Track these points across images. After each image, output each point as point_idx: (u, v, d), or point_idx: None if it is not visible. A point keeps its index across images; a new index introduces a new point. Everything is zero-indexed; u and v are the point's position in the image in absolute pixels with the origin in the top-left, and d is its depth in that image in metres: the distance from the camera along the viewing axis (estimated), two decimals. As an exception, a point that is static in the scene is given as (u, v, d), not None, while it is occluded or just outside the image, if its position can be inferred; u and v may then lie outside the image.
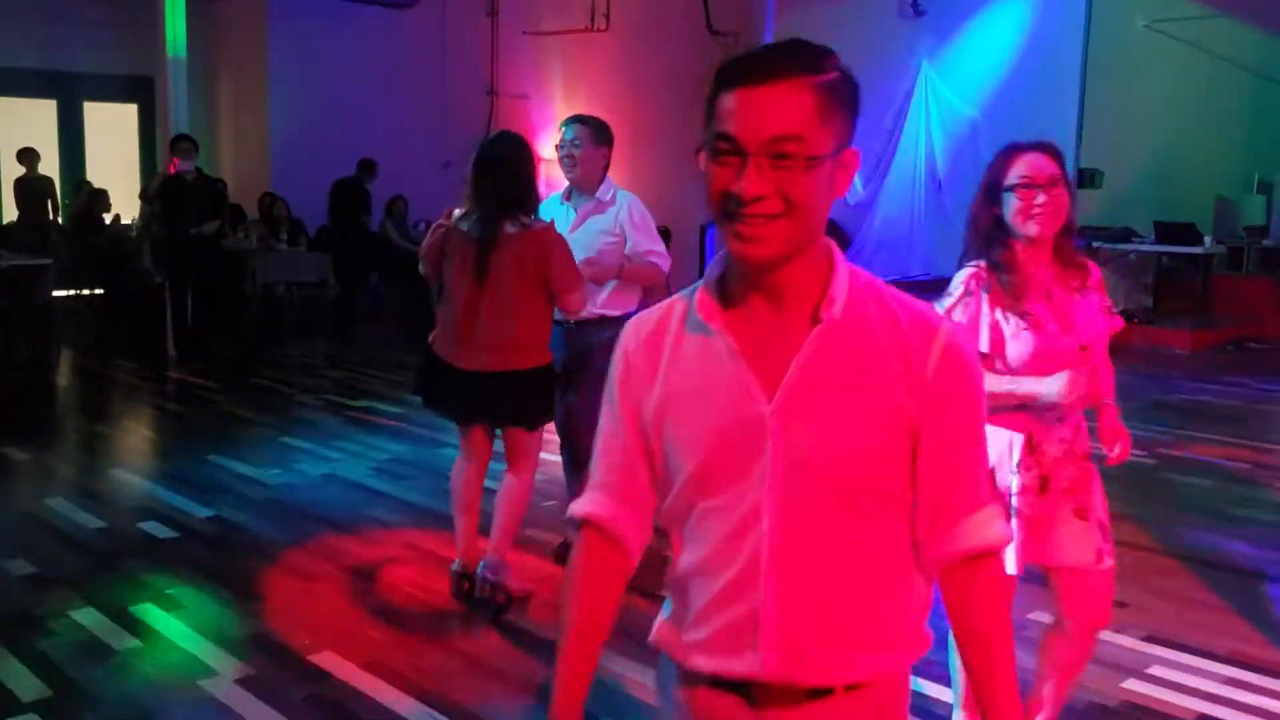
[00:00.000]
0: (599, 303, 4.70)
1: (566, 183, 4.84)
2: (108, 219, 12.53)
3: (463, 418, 4.45)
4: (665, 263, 4.80)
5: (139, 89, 14.14)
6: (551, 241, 4.17)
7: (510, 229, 4.11)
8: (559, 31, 16.56)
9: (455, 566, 4.54)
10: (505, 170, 4.15)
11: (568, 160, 4.72)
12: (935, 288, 11.51)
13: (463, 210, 4.26)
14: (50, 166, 13.59)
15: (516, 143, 4.31)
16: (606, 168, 4.81)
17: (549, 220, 4.30)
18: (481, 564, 4.44)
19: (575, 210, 4.79)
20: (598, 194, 4.76)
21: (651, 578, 1.81)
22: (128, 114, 14.84)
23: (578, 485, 5.10)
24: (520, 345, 4.22)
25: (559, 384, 4.84)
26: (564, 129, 4.76)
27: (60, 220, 12.87)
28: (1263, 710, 3.79)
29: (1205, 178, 13.17)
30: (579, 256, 4.57)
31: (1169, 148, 12.48)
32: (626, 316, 4.82)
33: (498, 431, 4.50)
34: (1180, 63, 12.58)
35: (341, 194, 12.68)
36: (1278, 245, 12.79)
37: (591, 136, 4.71)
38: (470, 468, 4.53)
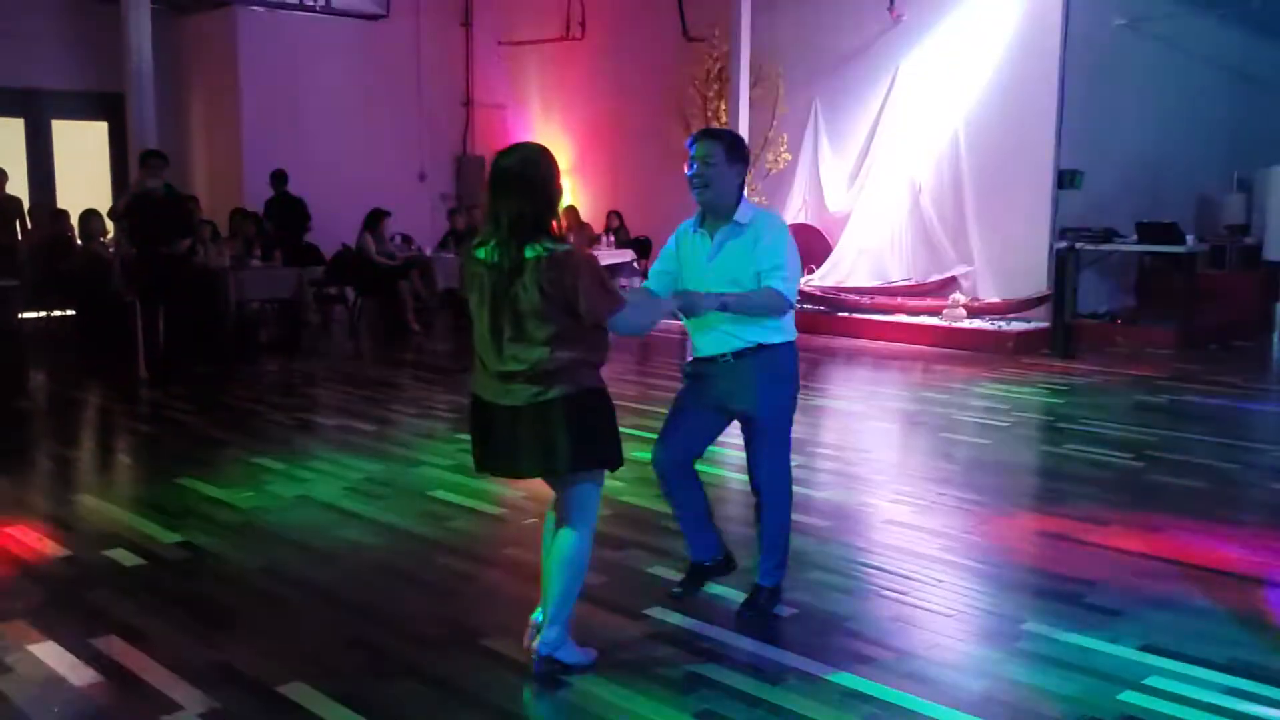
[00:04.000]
0: (747, 330, 4.29)
1: (698, 207, 4.37)
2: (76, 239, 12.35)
3: (510, 470, 3.88)
4: (786, 288, 4.21)
5: (109, 106, 13.98)
6: (576, 265, 3.65)
7: (530, 254, 3.63)
8: (535, 41, 16.48)
9: (535, 615, 4.09)
10: (520, 188, 3.63)
11: (698, 180, 4.24)
12: (917, 292, 11.45)
13: (480, 236, 3.77)
14: (19, 186, 13.41)
15: (534, 155, 3.72)
16: (742, 186, 4.35)
17: (568, 244, 3.75)
18: (539, 639, 3.94)
19: (711, 237, 4.33)
20: (736, 217, 4.29)
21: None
22: (98, 131, 14.68)
23: (770, 540, 4.50)
24: (550, 374, 3.69)
25: (710, 424, 4.47)
26: (694, 145, 4.28)
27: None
28: (1266, 722, 3.67)
29: (1186, 177, 13.13)
30: (721, 288, 4.21)
31: (1149, 147, 12.43)
32: (788, 344, 4.36)
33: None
34: (1159, 62, 12.55)
35: (276, 212, 12.80)
36: (1259, 243, 12.73)
37: (725, 153, 4.25)
38: (552, 510, 4.07)
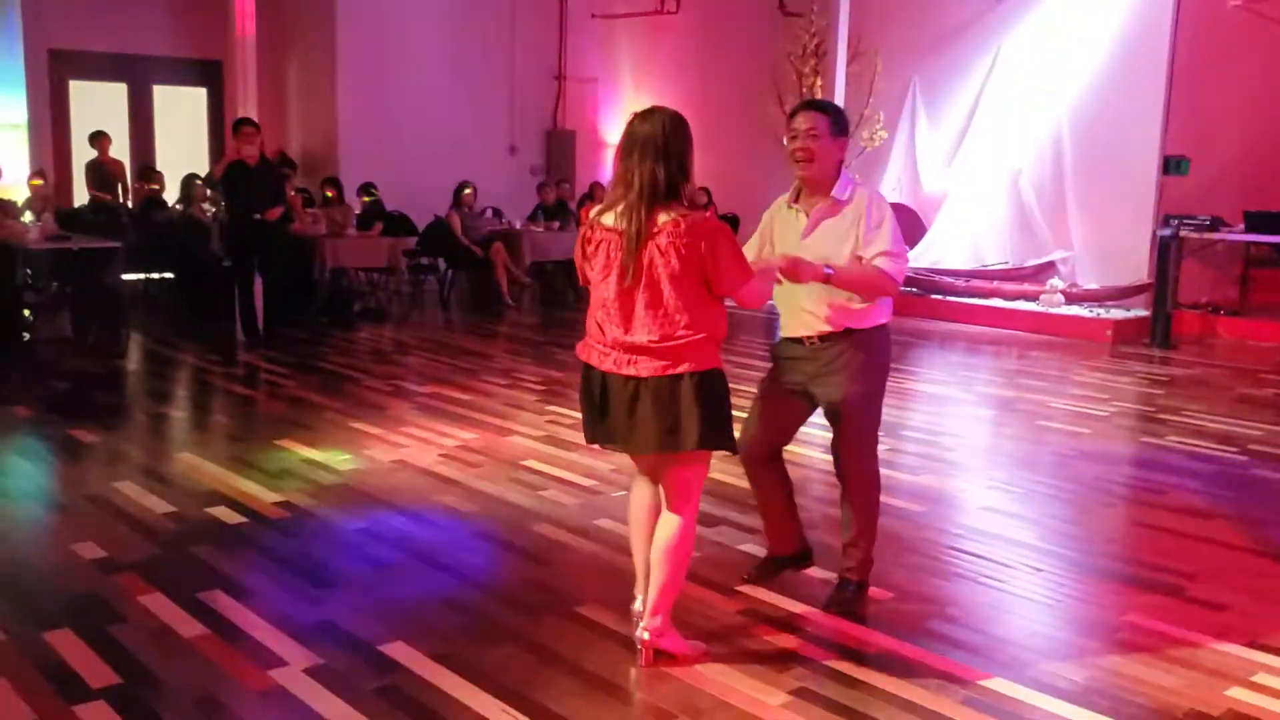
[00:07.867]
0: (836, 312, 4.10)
1: (795, 181, 4.16)
2: (170, 201, 12.64)
3: (626, 444, 3.74)
4: (893, 266, 4.01)
5: (208, 73, 14.23)
6: (712, 232, 3.54)
7: (663, 218, 3.53)
8: (628, 14, 16.42)
9: (635, 605, 3.99)
10: (655, 152, 3.54)
11: (802, 153, 4.02)
12: (1014, 277, 11.20)
13: (606, 201, 3.68)
14: (121, 150, 13.71)
15: (670, 120, 3.61)
16: (843, 162, 4.13)
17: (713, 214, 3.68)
18: (642, 625, 3.84)
19: (807, 214, 4.12)
20: (833, 193, 4.07)
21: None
22: (197, 97, 14.93)
23: (854, 533, 4.36)
24: (681, 349, 3.57)
25: (796, 410, 4.32)
26: (796, 117, 4.07)
27: (128, 204, 12.97)
28: (1383, 725, 3.56)
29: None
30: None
31: (1260, 134, 12.04)
32: (879, 328, 4.16)
33: None
34: (1273, 45, 12.13)
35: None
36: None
37: (830, 125, 4.03)
38: (644, 487, 3.92)
